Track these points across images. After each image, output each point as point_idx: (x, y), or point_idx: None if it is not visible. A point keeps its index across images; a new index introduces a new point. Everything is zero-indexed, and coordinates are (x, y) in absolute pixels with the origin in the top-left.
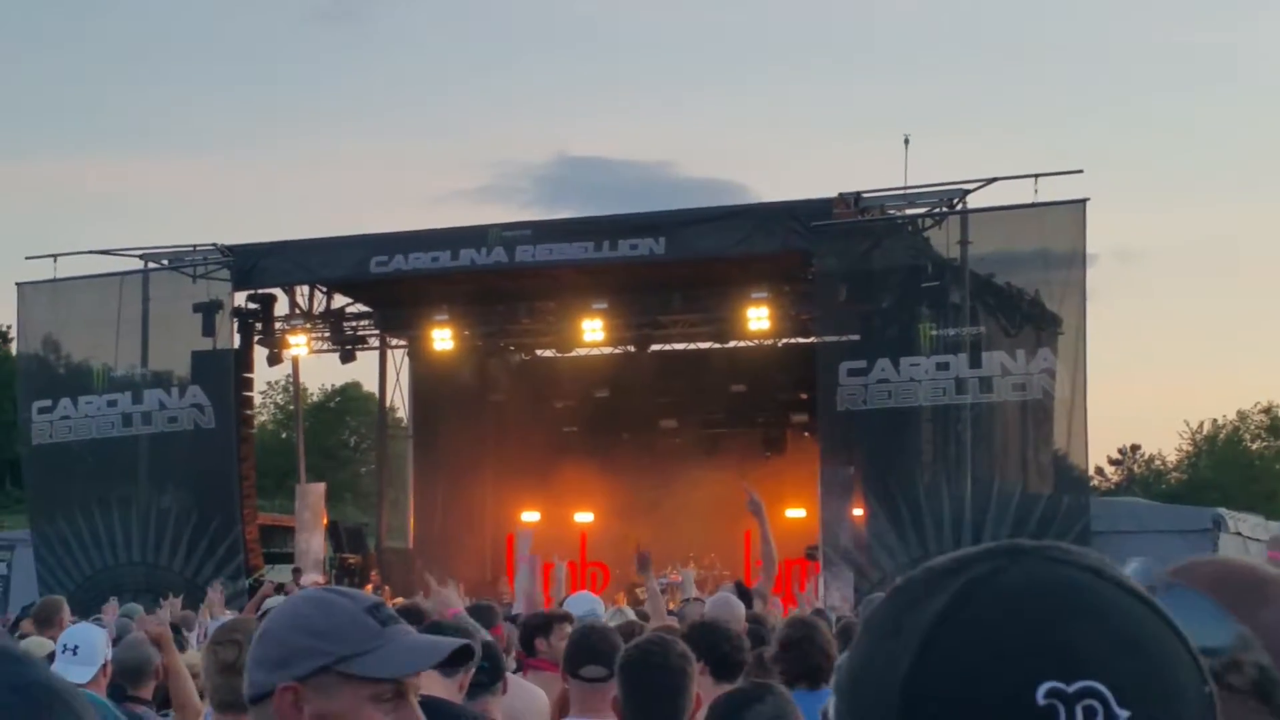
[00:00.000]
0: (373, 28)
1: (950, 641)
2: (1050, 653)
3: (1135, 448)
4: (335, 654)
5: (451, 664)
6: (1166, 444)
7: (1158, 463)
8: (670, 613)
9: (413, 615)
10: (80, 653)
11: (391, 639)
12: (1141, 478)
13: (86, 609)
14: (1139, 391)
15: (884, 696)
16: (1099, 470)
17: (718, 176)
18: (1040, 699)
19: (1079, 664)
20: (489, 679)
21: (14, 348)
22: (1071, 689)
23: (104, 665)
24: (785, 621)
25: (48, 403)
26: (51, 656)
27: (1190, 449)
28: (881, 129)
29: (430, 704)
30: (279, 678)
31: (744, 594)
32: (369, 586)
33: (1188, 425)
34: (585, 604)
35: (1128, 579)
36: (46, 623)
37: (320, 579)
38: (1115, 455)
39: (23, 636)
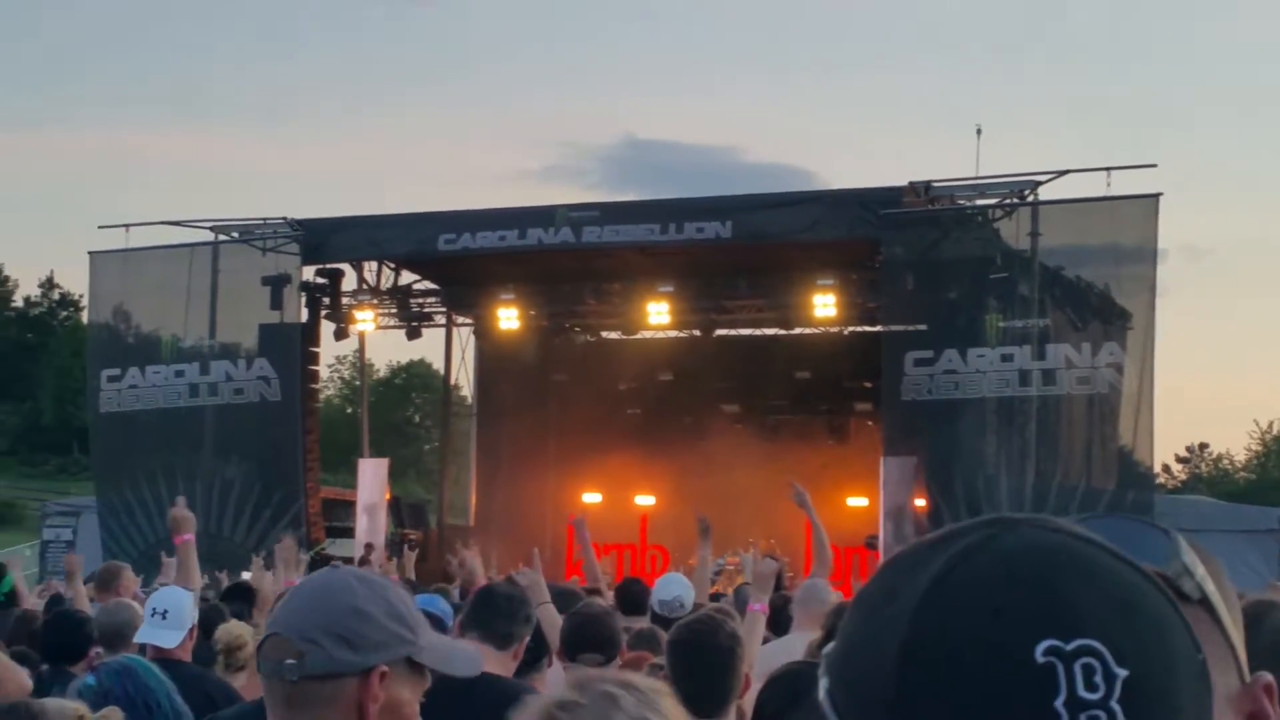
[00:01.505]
0: (445, 6)
1: (947, 602)
2: (1048, 611)
3: (1203, 446)
4: (418, 645)
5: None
6: (1235, 443)
7: (1225, 462)
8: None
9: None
10: (169, 617)
11: (431, 635)
12: (1208, 476)
13: (148, 577)
14: (1208, 390)
15: (880, 663)
16: (1165, 468)
17: (785, 162)
18: (1039, 657)
19: (1077, 623)
20: (534, 656)
21: (85, 316)
22: (1070, 646)
23: (191, 629)
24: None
25: (116, 371)
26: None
27: (1259, 449)
28: (953, 119)
29: (489, 680)
30: (375, 660)
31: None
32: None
33: (1257, 425)
34: (674, 588)
35: (1118, 549)
36: (106, 587)
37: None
38: (1182, 453)
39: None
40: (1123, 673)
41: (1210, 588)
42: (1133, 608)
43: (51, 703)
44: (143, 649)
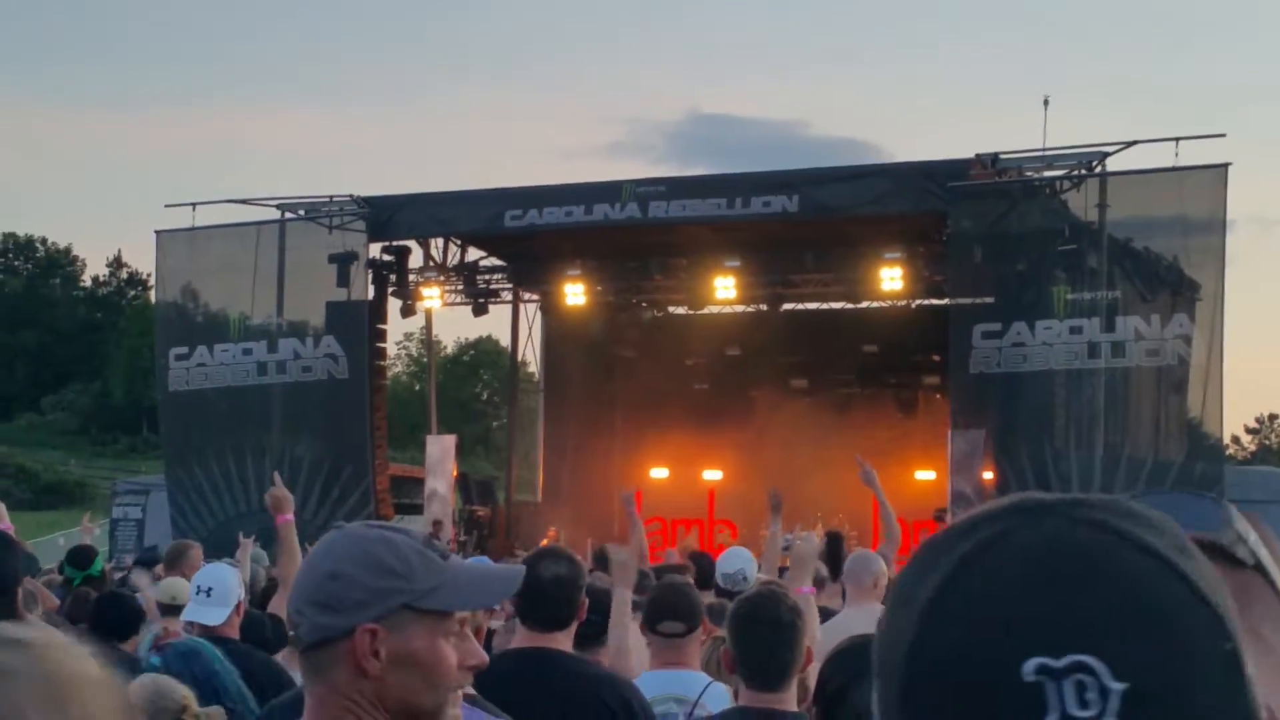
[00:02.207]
0: None
1: (946, 613)
2: (1040, 625)
3: (1273, 417)
4: (415, 590)
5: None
6: None
7: None
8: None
9: None
10: (214, 594)
11: (455, 572)
12: (1278, 448)
13: (217, 555)
14: (1278, 360)
15: (896, 664)
16: (1234, 439)
17: (851, 136)
18: (1028, 675)
19: (1071, 636)
20: (599, 630)
21: (153, 295)
22: (1060, 664)
23: (237, 606)
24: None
25: (184, 350)
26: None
27: None
28: (1020, 90)
29: (550, 656)
30: (357, 620)
31: (835, 543)
32: (547, 538)
33: None
34: (737, 561)
35: (1145, 535)
36: (174, 564)
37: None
38: (1252, 424)
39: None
40: (1118, 686)
41: (1264, 553)
42: (1144, 612)
43: (163, 682)
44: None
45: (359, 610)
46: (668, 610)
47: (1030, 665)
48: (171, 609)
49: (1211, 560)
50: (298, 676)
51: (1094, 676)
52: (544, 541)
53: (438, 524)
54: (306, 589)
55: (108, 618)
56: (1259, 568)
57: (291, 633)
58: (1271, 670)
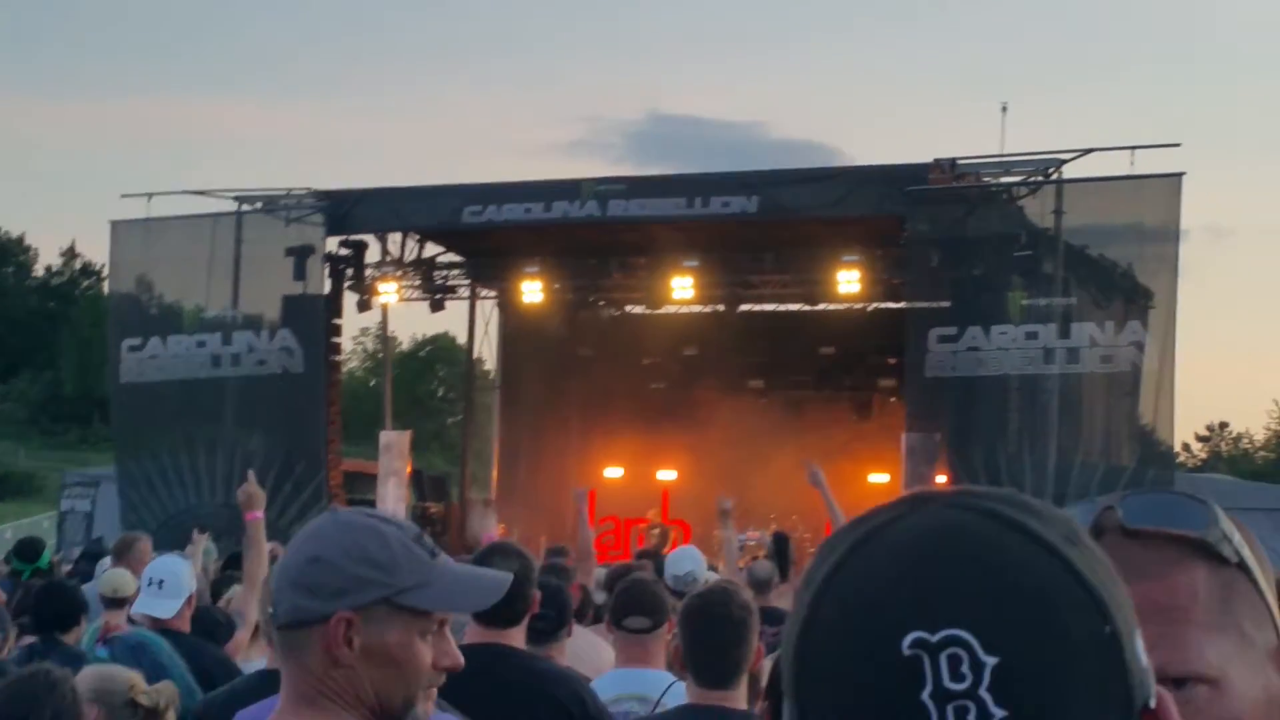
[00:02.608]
0: None
1: (833, 593)
2: (918, 602)
3: (1223, 425)
4: (396, 585)
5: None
6: (1255, 422)
7: (1245, 441)
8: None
9: None
10: (166, 586)
11: (441, 571)
12: (1229, 455)
13: (167, 548)
14: (1229, 369)
15: (790, 648)
16: (1185, 446)
17: (810, 138)
18: (905, 649)
19: (945, 612)
20: (553, 626)
21: (107, 286)
22: (935, 638)
23: (189, 599)
24: None
25: (137, 341)
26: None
27: (1279, 428)
28: (978, 95)
29: (504, 652)
30: (335, 606)
31: (782, 544)
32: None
33: (1276, 404)
34: (687, 562)
35: (1027, 520)
36: (121, 557)
37: None
38: (1203, 432)
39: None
40: (990, 660)
41: (1246, 552)
42: (1016, 590)
43: (109, 669)
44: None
45: (337, 597)
46: (633, 605)
47: (908, 639)
48: (114, 601)
49: (1198, 558)
50: (247, 667)
51: (968, 650)
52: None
53: None
54: (289, 569)
55: (49, 609)
56: (1242, 566)
57: (270, 610)
58: (1252, 662)
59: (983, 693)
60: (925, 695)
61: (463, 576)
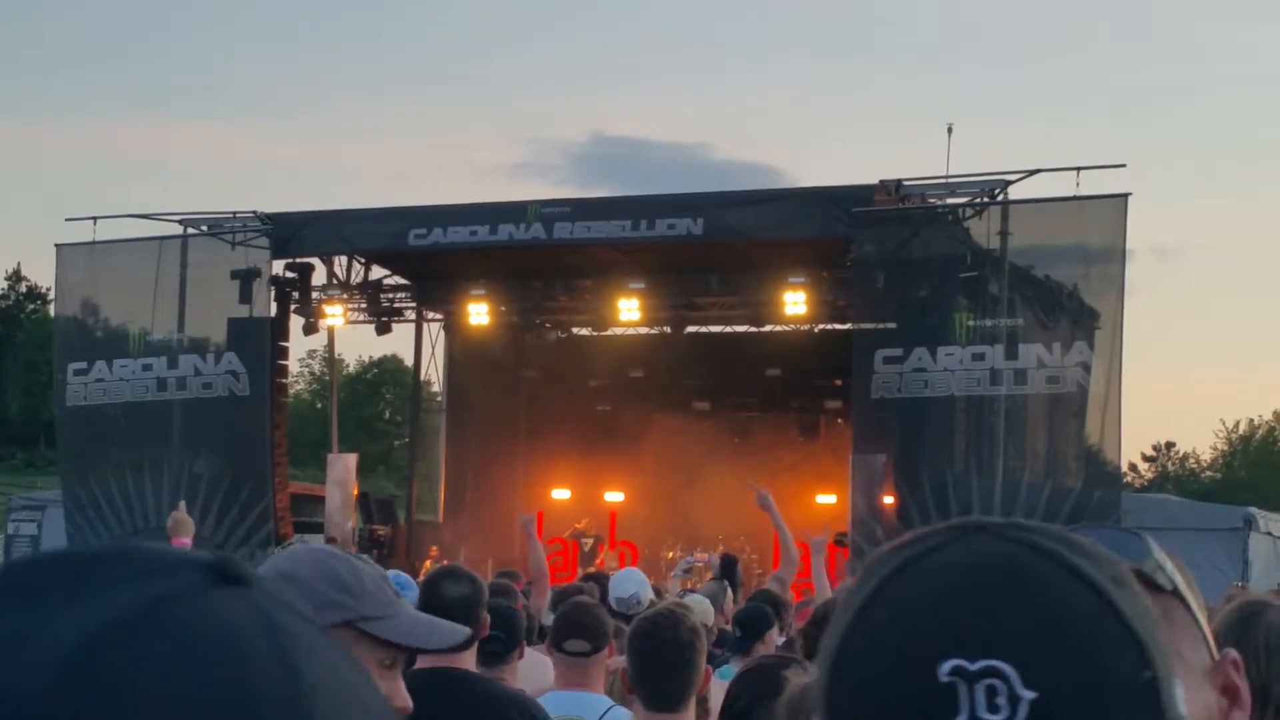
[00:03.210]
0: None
1: (873, 616)
2: (959, 631)
3: (1170, 445)
4: (361, 612)
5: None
6: (1201, 442)
7: (1191, 461)
8: (690, 591)
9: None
10: None
11: (405, 610)
12: (1175, 475)
13: None
14: (1175, 389)
15: (825, 668)
16: (1132, 466)
17: (755, 160)
18: (943, 676)
19: (986, 643)
20: (504, 648)
21: (52, 309)
22: (974, 667)
23: None
24: (820, 600)
25: (83, 365)
26: None
27: (1225, 448)
28: (924, 117)
29: (457, 676)
30: None
31: (730, 567)
32: (429, 560)
33: (1224, 424)
34: (630, 585)
35: (1075, 559)
36: None
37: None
38: (1149, 452)
39: None
40: (1028, 694)
41: (1179, 580)
42: (1059, 626)
43: None
44: None
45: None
46: (574, 629)
47: (946, 666)
48: None
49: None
50: None
51: (1006, 682)
52: (427, 562)
53: (331, 541)
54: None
55: None
56: (1176, 593)
57: None
58: (1191, 684)
59: None
60: None
61: (424, 620)
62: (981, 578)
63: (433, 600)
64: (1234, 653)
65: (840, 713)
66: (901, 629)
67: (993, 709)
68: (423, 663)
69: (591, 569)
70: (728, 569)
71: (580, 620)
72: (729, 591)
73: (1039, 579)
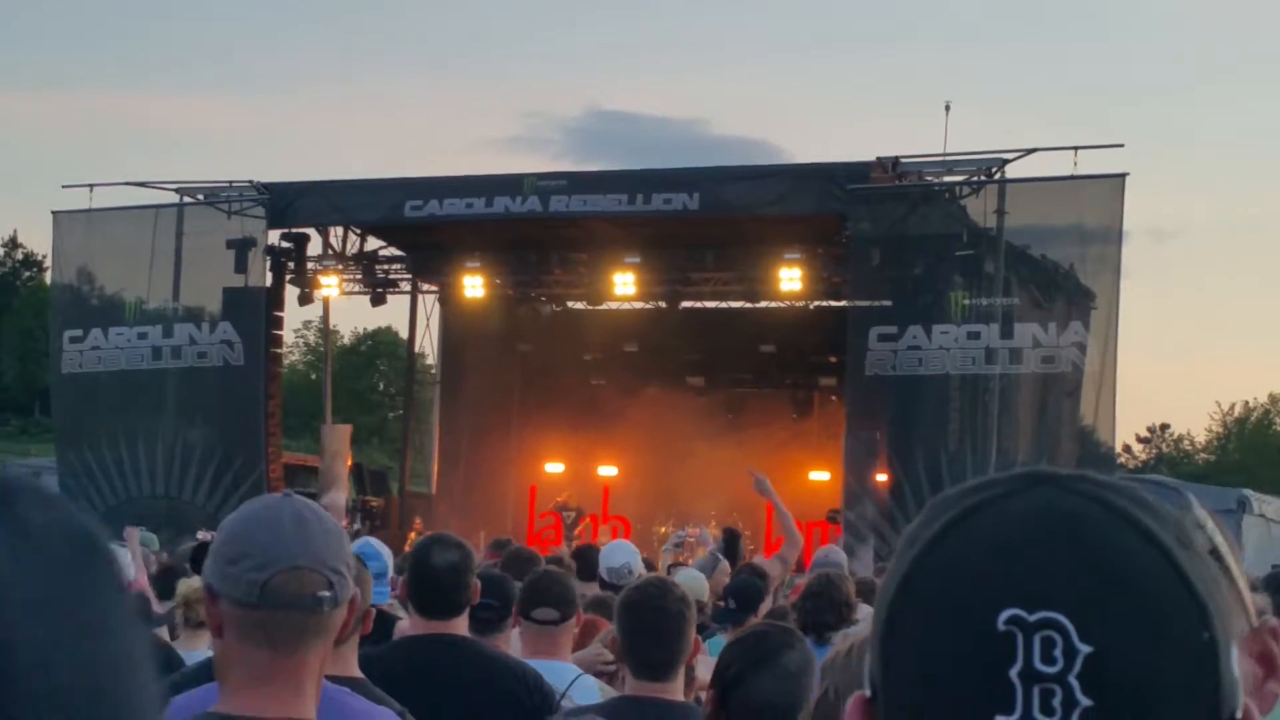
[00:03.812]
0: None
1: (938, 557)
2: (1021, 581)
3: (1164, 427)
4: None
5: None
6: (1196, 424)
7: (1186, 443)
8: (680, 565)
9: None
10: None
11: None
12: (1169, 457)
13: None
14: (1170, 371)
15: (885, 603)
16: (1126, 448)
17: (751, 136)
18: (1000, 625)
19: (1046, 594)
20: (497, 616)
21: (48, 277)
22: (1033, 618)
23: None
24: (811, 573)
25: (79, 332)
26: None
27: (1220, 430)
28: (922, 95)
29: (453, 641)
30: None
31: (732, 542)
32: (412, 533)
33: (1219, 406)
34: (621, 555)
35: (1141, 517)
36: None
37: (345, 522)
38: (1144, 433)
39: None
40: (1085, 649)
41: (1219, 540)
42: (1120, 582)
43: None
44: None
45: (352, 572)
46: (541, 597)
47: (1004, 615)
48: None
49: None
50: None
51: (1063, 635)
52: (411, 534)
53: (313, 497)
54: (339, 551)
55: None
56: (1215, 553)
57: (327, 593)
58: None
59: (1072, 679)
60: (1014, 672)
61: None
62: (1045, 529)
63: (422, 568)
64: (1274, 620)
65: (897, 652)
66: (963, 576)
67: (1048, 660)
68: (416, 629)
69: (576, 541)
70: (730, 543)
71: (548, 588)
72: (721, 564)
73: (1102, 534)
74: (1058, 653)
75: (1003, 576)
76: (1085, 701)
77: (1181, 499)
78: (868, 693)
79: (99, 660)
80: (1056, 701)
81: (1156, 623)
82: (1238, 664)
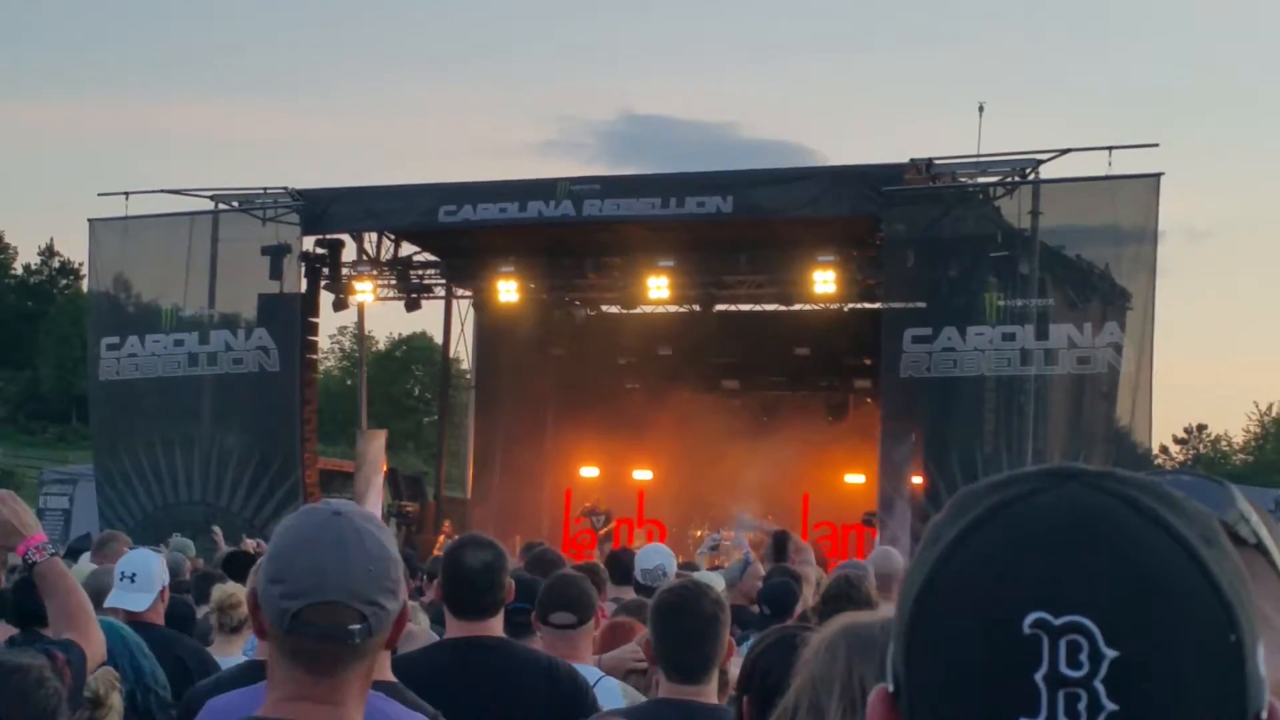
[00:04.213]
0: None
1: (963, 560)
2: (1046, 583)
3: (1201, 427)
4: None
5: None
6: (1233, 425)
7: (1223, 443)
8: (715, 568)
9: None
10: (138, 580)
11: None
12: (1206, 458)
13: (146, 545)
14: (1207, 371)
15: (909, 601)
16: (1163, 449)
17: (784, 139)
18: (1026, 628)
19: (1073, 597)
20: (530, 619)
21: (84, 285)
22: (1058, 622)
23: (161, 591)
24: (832, 574)
25: (116, 340)
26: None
27: (1257, 430)
28: (955, 96)
29: (489, 643)
30: (403, 597)
31: (781, 544)
32: (441, 536)
33: (1256, 406)
34: (656, 557)
35: (1168, 515)
36: (98, 555)
37: None
38: (1180, 434)
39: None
40: (1111, 653)
41: (1264, 533)
42: (1146, 584)
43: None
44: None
45: (404, 589)
46: (558, 601)
47: (1030, 618)
48: (95, 596)
49: None
50: (225, 662)
51: (1089, 639)
52: (440, 539)
53: None
54: (379, 580)
55: (30, 602)
56: (1260, 547)
57: (358, 625)
58: (1274, 642)
59: (1097, 684)
60: (1039, 676)
61: None
62: (1070, 529)
63: (455, 569)
64: None
65: (919, 654)
66: (987, 576)
67: (1074, 665)
68: (452, 631)
69: (608, 545)
70: (779, 546)
71: (564, 593)
72: (750, 568)
73: (1128, 534)
74: (1084, 657)
75: (1028, 578)
76: (1111, 706)
77: (1224, 492)
78: (890, 688)
79: None
80: (1082, 706)
81: (1184, 626)
82: (1264, 663)
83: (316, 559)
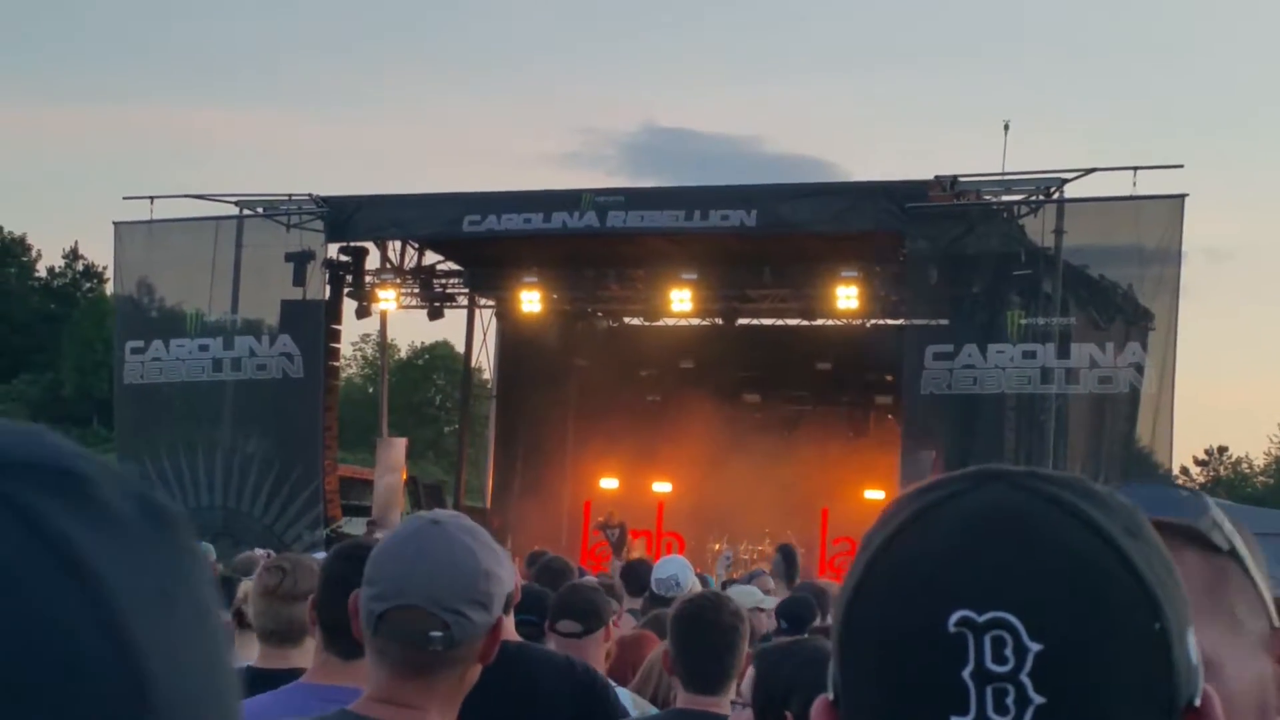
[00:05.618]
0: None
1: (889, 565)
2: (969, 581)
3: (1222, 449)
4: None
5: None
6: (1254, 447)
7: (1244, 465)
8: (733, 581)
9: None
10: None
11: None
12: (1227, 480)
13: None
14: (1228, 393)
15: (840, 610)
16: (1184, 470)
17: (808, 154)
18: (950, 627)
19: (994, 594)
20: (535, 631)
21: (108, 288)
22: (982, 618)
23: None
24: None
25: (140, 343)
26: None
27: (1278, 453)
28: (980, 114)
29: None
30: (498, 612)
31: (789, 557)
32: None
33: (1278, 429)
34: (670, 567)
35: (1088, 509)
36: None
37: None
38: (1201, 456)
39: None
40: (1035, 646)
41: (1237, 540)
42: (1068, 578)
43: None
44: None
45: (500, 603)
46: (566, 610)
47: (954, 617)
48: None
49: (1190, 546)
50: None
51: (1013, 634)
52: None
53: (372, 524)
54: (464, 590)
55: None
56: (1233, 553)
57: (438, 633)
58: (1244, 648)
59: (1023, 677)
60: (966, 673)
61: None
62: (992, 527)
63: None
64: None
65: (851, 655)
66: (913, 577)
67: (999, 660)
68: None
69: (626, 557)
70: (788, 560)
71: (571, 601)
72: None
73: (1049, 529)
74: (1008, 652)
75: (951, 578)
76: (1038, 699)
77: (1197, 500)
78: (831, 695)
79: (215, 654)
80: (1010, 700)
81: (1105, 616)
82: (1196, 651)
83: (405, 564)
